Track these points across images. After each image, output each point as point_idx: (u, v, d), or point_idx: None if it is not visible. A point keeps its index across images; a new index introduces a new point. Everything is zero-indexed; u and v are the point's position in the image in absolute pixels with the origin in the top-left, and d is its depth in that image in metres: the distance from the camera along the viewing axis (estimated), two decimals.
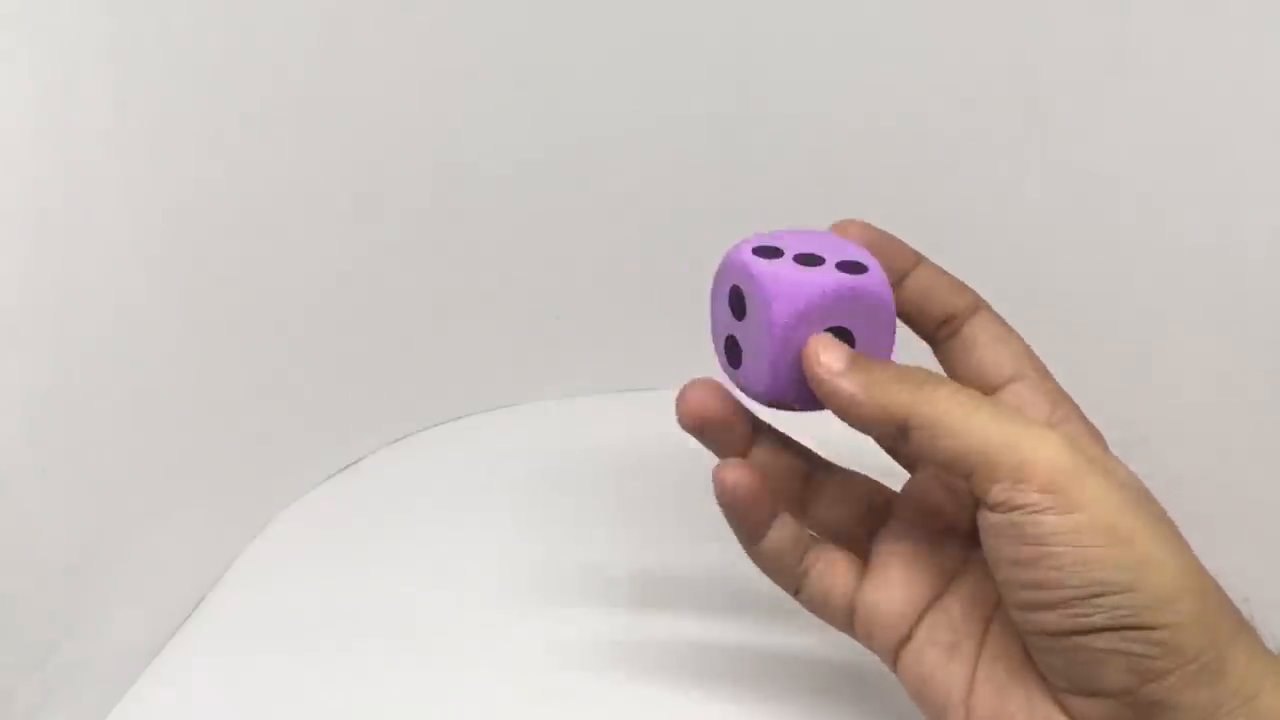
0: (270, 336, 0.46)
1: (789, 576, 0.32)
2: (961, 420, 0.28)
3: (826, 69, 0.46)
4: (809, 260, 0.30)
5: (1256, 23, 0.38)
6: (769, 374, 0.30)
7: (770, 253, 0.30)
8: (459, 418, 0.53)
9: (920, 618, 0.31)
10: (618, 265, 0.51)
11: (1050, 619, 0.27)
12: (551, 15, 0.45)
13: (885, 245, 0.32)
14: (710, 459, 0.33)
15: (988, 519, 0.28)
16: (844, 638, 0.33)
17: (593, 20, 0.46)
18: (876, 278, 0.30)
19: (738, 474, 0.31)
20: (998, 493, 0.27)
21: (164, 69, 0.40)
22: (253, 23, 0.42)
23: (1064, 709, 0.28)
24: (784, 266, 0.30)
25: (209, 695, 0.40)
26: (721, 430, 0.32)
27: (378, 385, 0.51)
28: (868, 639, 0.32)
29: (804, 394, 0.30)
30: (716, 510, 0.34)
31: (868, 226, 0.32)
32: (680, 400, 0.32)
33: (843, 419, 0.29)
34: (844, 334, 0.30)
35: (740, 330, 0.31)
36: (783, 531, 0.32)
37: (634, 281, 0.51)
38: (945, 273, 0.33)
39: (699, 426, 0.32)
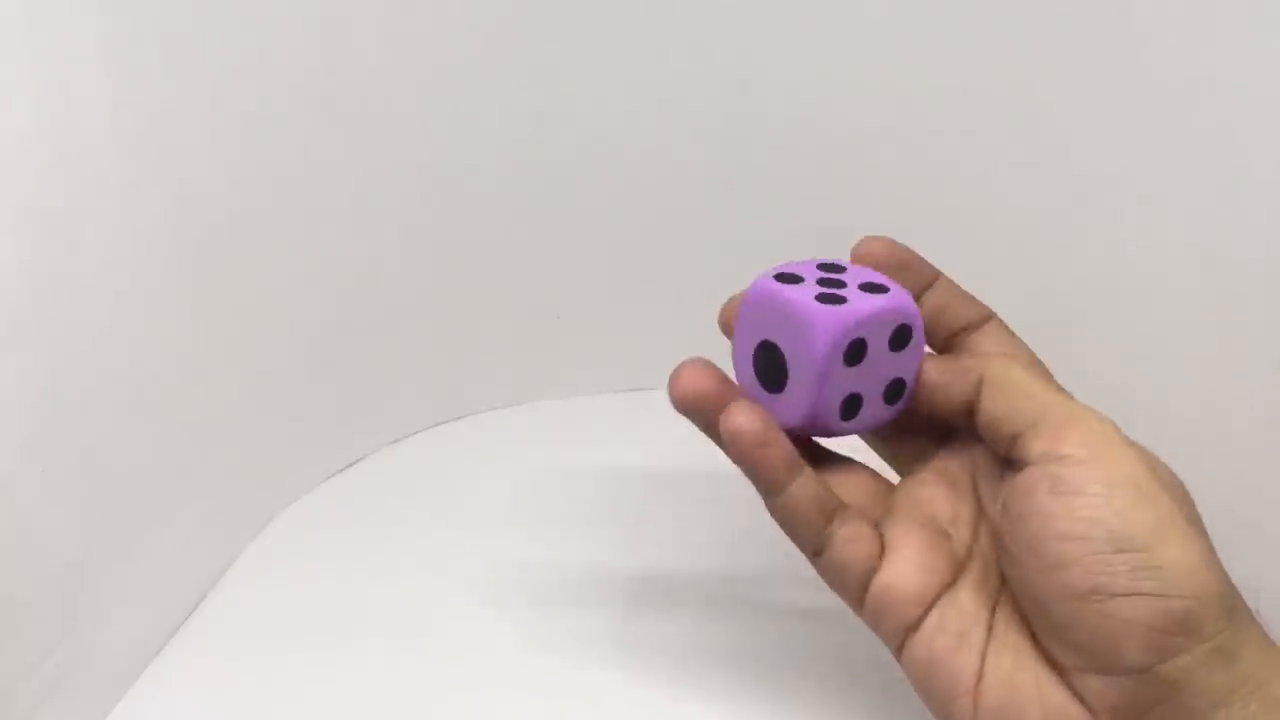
0: (270, 336, 0.46)
1: (811, 537, 0.31)
2: (1021, 384, 0.30)
3: (827, 69, 0.46)
4: (833, 286, 0.30)
5: (1256, 22, 0.38)
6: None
7: (792, 280, 0.31)
8: (459, 418, 0.53)
9: (932, 605, 0.31)
10: (618, 265, 0.51)
11: (1074, 576, 0.27)
12: (551, 16, 0.46)
13: (908, 260, 0.33)
14: (710, 459, 0.33)
15: (1025, 476, 0.28)
16: (845, 636, 0.33)
17: (593, 21, 0.46)
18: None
19: (745, 417, 0.30)
20: (1041, 445, 0.28)
21: (163, 69, 0.40)
22: (252, 22, 0.42)
23: (1076, 695, 0.28)
24: (812, 297, 0.30)
25: (209, 695, 0.40)
26: (717, 407, 0.31)
27: (378, 385, 0.51)
28: (876, 619, 0.31)
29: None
30: (716, 510, 0.34)
31: (892, 243, 0.33)
32: (674, 380, 0.31)
33: (930, 404, 0.31)
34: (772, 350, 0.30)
35: (776, 363, 0.31)
36: (804, 489, 0.31)
37: (634, 281, 0.51)
38: (959, 287, 0.34)
39: (693, 406, 0.31)
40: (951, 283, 0.34)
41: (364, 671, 0.40)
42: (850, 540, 0.31)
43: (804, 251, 0.33)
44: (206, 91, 0.41)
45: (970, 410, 0.31)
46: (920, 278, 0.33)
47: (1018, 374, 0.30)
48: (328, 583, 0.45)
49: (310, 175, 0.45)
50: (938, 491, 0.33)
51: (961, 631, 0.30)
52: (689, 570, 0.43)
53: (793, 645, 0.40)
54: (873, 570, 0.31)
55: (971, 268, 0.34)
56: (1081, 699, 0.28)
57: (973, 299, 0.34)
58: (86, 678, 0.39)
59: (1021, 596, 0.29)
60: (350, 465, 0.51)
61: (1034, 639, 0.29)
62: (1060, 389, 0.32)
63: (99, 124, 0.38)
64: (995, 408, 0.30)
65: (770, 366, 0.31)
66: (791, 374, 0.30)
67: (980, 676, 0.29)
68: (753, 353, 0.31)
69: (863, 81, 0.46)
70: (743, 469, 0.31)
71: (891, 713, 0.37)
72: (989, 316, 0.34)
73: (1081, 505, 0.27)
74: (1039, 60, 0.43)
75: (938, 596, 0.31)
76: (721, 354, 0.33)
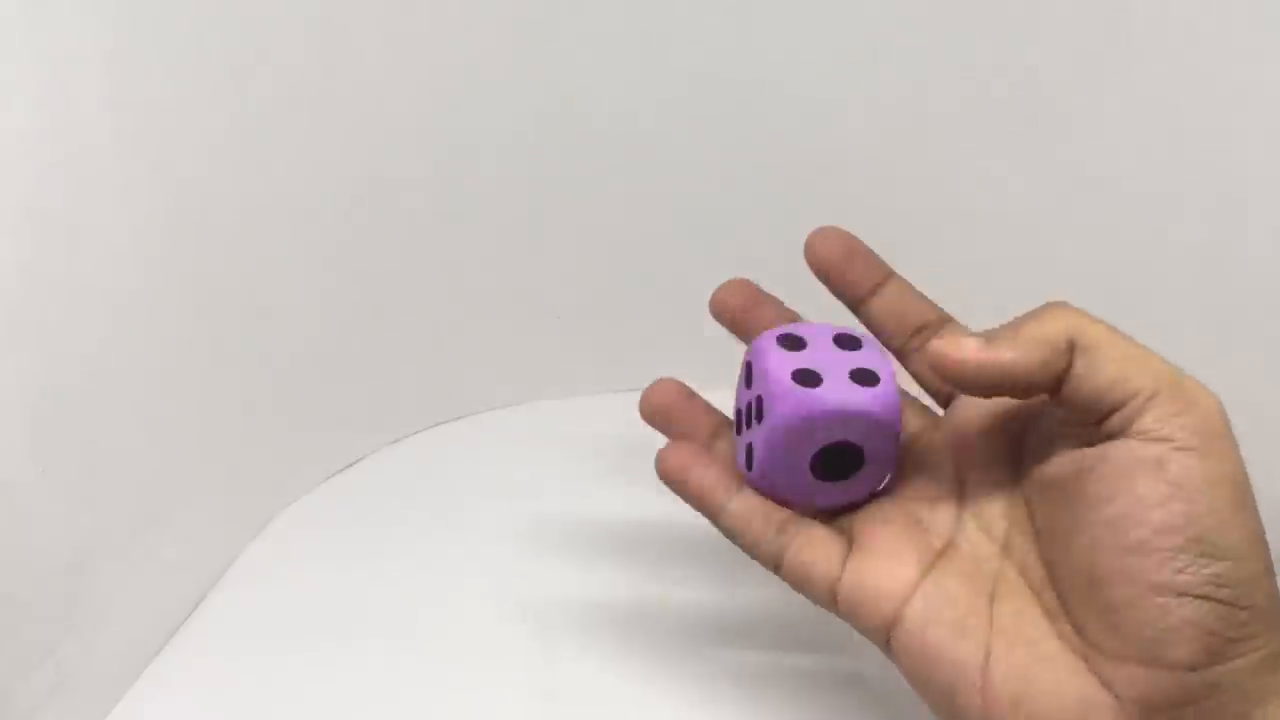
0: (270, 337, 0.46)
1: (765, 551, 0.32)
2: (1124, 344, 0.28)
3: (826, 69, 0.46)
4: (810, 374, 0.31)
5: (1256, 22, 0.38)
6: (762, 466, 0.32)
7: (794, 344, 0.31)
8: (459, 418, 0.53)
9: (910, 596, 0.30)
10: (618, 265, 0.51)
11: (1149, 565, 0.26)
12: (552, 16, 0.45)
13: (860, 255, 0.34)
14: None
15: (1125, 451, 0.27)
16: (844, 630, 0.33)
17: (593, 21, 0.46)
18: (884, 393, 0.31)
19: (670, 454, 0.33)
20: (1153, 420, 0.27)
21: (163, 69, 0.40)
22: (252, 23, 0.42)
23: (1104, 681, 0.27)
24: (795, 371, 0.30)
25: (209, 695, 0.40)
26: (685, 422, 0.35)
27: (378, 385, 0.51)
28: (853, 616, 0.31)
29: (789, 492, 0.32)
30: None
31: (845, 235, 0.34)
32: (643, 398, 0.35)
33: (1004, 387, 0.28)
34: (845, 448, 0.31)
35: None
36: (744, 504, 0.32)
37: (634, 281, 0.51)
38: (913, 288, 0.34)
39: (661, 420, 0.35)
40: (905, 282, 0.34)
41: (364, 671, 0.40)
42: (805, 545, 0.32)
43: (802, 251, 0.34)
44: (206, 91, 0.41)
45: (1056, 377, 0.28)
46: (871, 276, 0.34)
47: (1114, 334, 0.28)
48: (328, 583, 0.45)
49: (310, 175, 0.45)
50: (912, 483, 0.33)
51: (957, 622, 0.29)
52: (689, 569, 0.43)
53: (796, 642, 0.40)
54: (839, 569, 0.31)
55: (971, 268, 0.34)
56: (1109, 686, 0.27)
57: (925, 299, 0.34)
58: (86, 678, 0.39)
59: (1074, 569, 0.28)
60: (350, 465, 0.51)
61: (1051, 626, 0.29)
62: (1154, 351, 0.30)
63: (99, 124, 0.38)
64: (1100, 374, 0.27)
65: (838, 461, 0.31)
66: (868, 452, 0.31)
67: (986, 669, 0.29)
68: (810, 462, 0.31)
69: (863, 83, 0.46)
70: (685, 499, 0.33)
71: (893, 713, 0.37)
72: (947, 318, 0.34)
73: (1181, 498, 0.26)
74: (1039, 60, 0.43)
75: (914, 586, 0.30)
76: (716, 352, 0.33)
